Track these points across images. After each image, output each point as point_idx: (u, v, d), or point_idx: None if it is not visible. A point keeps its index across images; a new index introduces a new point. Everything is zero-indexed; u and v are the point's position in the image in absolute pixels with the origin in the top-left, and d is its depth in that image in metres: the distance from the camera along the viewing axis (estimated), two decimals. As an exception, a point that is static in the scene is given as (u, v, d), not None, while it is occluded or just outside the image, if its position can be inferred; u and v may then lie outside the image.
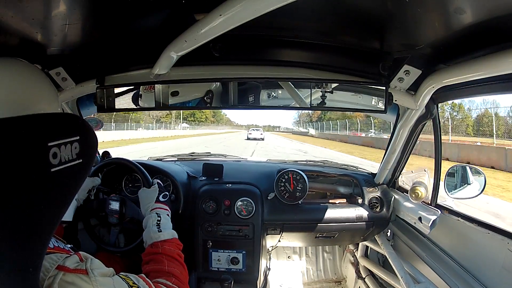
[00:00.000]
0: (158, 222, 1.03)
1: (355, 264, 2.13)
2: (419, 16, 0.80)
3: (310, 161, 2.11)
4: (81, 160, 0.52)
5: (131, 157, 1.53)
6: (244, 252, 1.58)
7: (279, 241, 1.73)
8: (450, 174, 1.42)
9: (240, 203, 1.58)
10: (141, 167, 1.34)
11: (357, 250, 2.10)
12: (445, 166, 1.39)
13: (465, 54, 0.89)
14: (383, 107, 1.12)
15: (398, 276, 1.41)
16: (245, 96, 1.19)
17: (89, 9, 0.81)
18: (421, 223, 1.33)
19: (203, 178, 1.73)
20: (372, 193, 1.66)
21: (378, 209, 1.64)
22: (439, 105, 1.30)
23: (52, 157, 0.47)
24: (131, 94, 1.26)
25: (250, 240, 1.57)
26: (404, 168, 1.62)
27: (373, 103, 1.18)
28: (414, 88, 1.16)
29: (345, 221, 1.61)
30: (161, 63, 1.12)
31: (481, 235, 1.14)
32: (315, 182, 1.80)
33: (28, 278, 0.45)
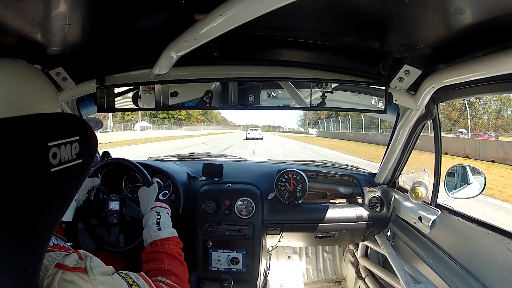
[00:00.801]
0: (158, 221, 1.03)
1: (355, 264, 2.13)
2: (419, 16, 0.80)
3: (310, 161, 2.11)
4: (81, 160, 0.52)
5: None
6: (244, 252, 1.58)
7: (279, 241, 1.73)
8: (450, 174, 1.42)
9: (240, 203, 1.58)
10: (141, 167, 1.34)
11: (357, 250, 2.10)
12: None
13: (465, 54, 0.89)
14: (383, 107, 1.13)
15: (398, 276, 1.41)
16: (245, 96, 1.19)
17: (89, 9, 0.81)
18: (421, 223, 1.33)
19: (203, 178, 1.73)
20: (372, 193, 1.66)
21: (378, 209, 1.64)
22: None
23: (52, 157, 0.47)
24: (131, 94, 1.26)
25: (250, 240, 1.57)
26: (405, 168, 1.62)
27: (373, 103, 1.18)
28: (414, 88, 1.16)
29: (345, 221, 1.61)
30: (161, 63, 1.13)
31: (481, 235, 1.14)
32: (315, 182, 1.80)
33: (28, 278, 0.45)
